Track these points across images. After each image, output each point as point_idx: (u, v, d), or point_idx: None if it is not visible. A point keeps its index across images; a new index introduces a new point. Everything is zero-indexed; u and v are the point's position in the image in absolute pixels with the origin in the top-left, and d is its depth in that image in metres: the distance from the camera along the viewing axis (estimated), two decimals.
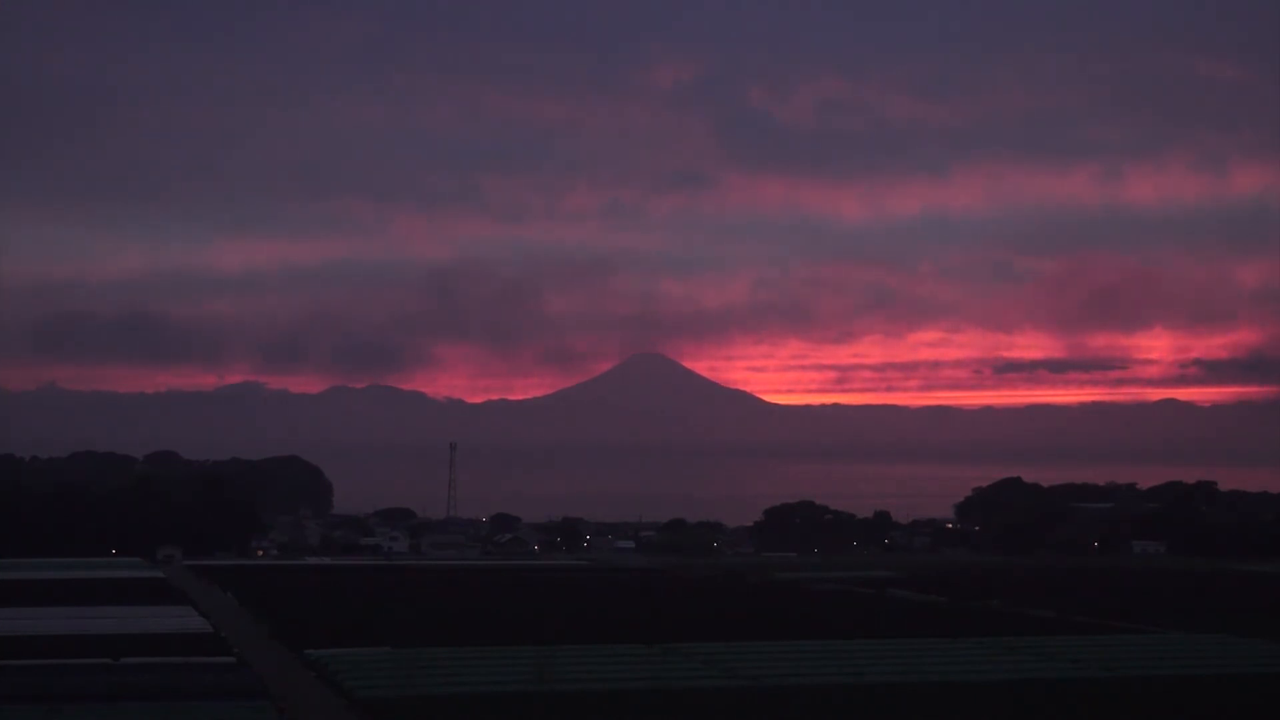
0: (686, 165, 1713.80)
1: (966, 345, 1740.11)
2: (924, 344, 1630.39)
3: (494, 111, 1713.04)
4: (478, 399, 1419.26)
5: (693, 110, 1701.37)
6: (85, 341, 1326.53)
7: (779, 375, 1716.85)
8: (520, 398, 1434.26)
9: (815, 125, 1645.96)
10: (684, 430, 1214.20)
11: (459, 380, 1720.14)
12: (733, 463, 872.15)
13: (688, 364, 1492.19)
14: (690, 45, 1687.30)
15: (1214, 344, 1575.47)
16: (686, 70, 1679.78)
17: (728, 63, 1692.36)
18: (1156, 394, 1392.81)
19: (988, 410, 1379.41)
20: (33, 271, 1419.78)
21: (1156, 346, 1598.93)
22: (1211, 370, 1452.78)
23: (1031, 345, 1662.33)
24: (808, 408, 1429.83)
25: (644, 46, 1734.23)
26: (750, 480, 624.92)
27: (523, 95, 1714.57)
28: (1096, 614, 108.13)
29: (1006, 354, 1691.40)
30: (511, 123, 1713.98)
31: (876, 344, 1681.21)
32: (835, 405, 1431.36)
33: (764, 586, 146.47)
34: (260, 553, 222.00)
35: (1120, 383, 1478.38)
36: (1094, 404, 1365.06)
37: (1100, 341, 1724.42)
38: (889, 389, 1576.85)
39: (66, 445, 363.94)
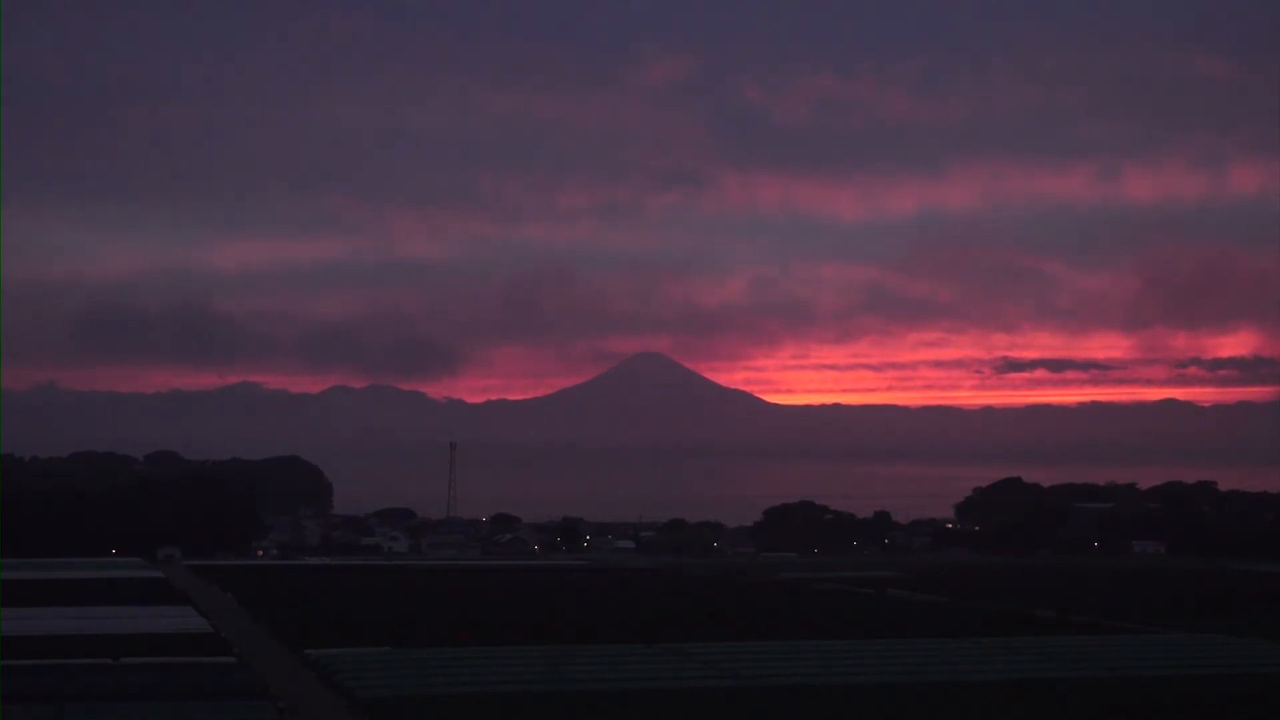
0: (682, 164, 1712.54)
1: (966, 345, 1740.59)
2: (923, 344, 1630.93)
3: (488, 110, 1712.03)
4: (478, 399, 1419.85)
5: (688, 108, 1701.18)
6: (85, 342, 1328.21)
7: (778, 375, 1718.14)
8: (520, 398, 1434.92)
9: (811, 123, 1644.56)
10: (684, 430, 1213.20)
11: (459, 380, 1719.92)
12: (733, 463, 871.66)
13: (687, 364, 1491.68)
14: (685, 43, 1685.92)
15: (1214, 344, 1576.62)
16: (681, 68, 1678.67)
17: (723, 60, 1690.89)
18: (1156, 394, 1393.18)
19: (988, 410, 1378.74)
20: (32, 271, 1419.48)
21: (1156, 346, 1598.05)
22: (1211, 370, 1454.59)
23: (1031, 345, 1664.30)
24: (807, 408, 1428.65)
25: (638, 44, 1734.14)
26: (750, 480, 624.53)
27: (517, 93, 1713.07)
28: (1096, 614, 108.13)
29: (1006, 354, 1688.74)
30: (506, 121, 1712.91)
31: (876, 344, 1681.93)
32: (835, 405, 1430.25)
33: (764, 586, 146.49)
34: (260, 553, 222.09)
35: (1120, 383, 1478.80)
36: (1094, 404, 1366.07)
37: (1100, 341, 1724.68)
38: (889, 389, 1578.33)
39: (66, 445, 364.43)
